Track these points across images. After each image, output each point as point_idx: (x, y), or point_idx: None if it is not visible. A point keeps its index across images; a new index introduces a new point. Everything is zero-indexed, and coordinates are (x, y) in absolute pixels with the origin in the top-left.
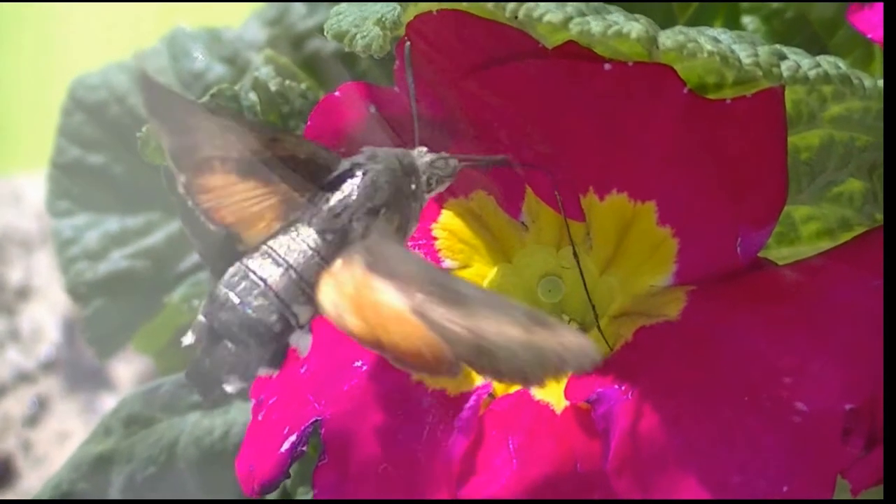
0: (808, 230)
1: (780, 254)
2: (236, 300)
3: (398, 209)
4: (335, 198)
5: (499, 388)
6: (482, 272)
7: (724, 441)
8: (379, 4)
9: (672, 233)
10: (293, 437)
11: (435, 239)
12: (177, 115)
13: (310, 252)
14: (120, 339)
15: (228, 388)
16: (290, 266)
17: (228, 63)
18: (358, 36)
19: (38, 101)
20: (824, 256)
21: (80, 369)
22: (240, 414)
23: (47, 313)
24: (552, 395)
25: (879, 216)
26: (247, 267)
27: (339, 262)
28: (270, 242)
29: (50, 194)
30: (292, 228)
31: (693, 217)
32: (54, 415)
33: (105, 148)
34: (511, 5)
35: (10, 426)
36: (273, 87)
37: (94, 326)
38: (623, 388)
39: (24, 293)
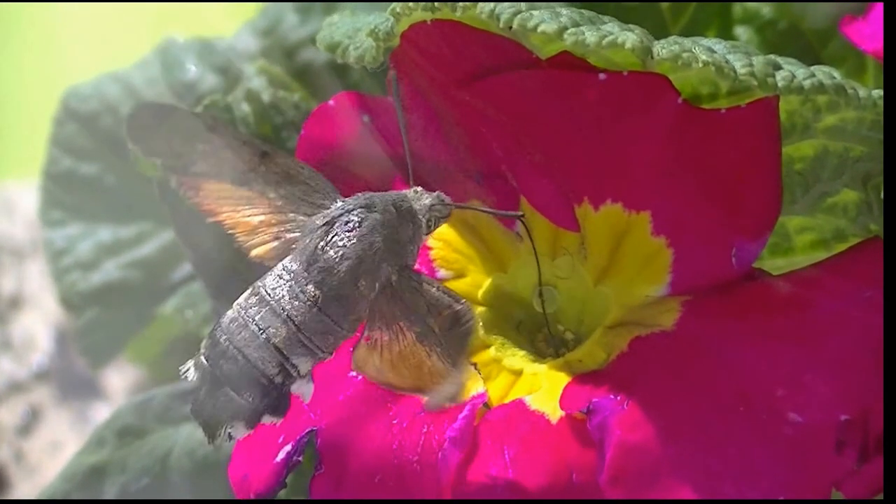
0: (802, 241)
1: (774, 264)
2: (237, 351)
3: (396, 257)
4: (331, 249)
5: (494, 397)
6: (477, 282)
7: (718, 451)
8: (372, 15)
9: (667, 243)
10: (288, 447)
11: (429, 249)
12: (167, 138)
13: (308, 303)
14: (112, 349)
15: (233, 434)
16: (289, 317)
17: (221, 73)
18: (351, 47)
19: (29, 109)
20: (818, 268)
21: (72, 379)
22: None
23: (39, 323)
24: (547, 404)
25: (874, 227)
26: (246, 313)
27: (379, 333)
28: (268, 286)
29: (42, 204)
30: (287, 272)
31: (687, 227)
32: (47, 424)
33: (97, 158)
34: (505, 16)
35: (2, 435)
36: (266, 98)
37: (87, 336)
38: (618, 398)
39: (15, 302)
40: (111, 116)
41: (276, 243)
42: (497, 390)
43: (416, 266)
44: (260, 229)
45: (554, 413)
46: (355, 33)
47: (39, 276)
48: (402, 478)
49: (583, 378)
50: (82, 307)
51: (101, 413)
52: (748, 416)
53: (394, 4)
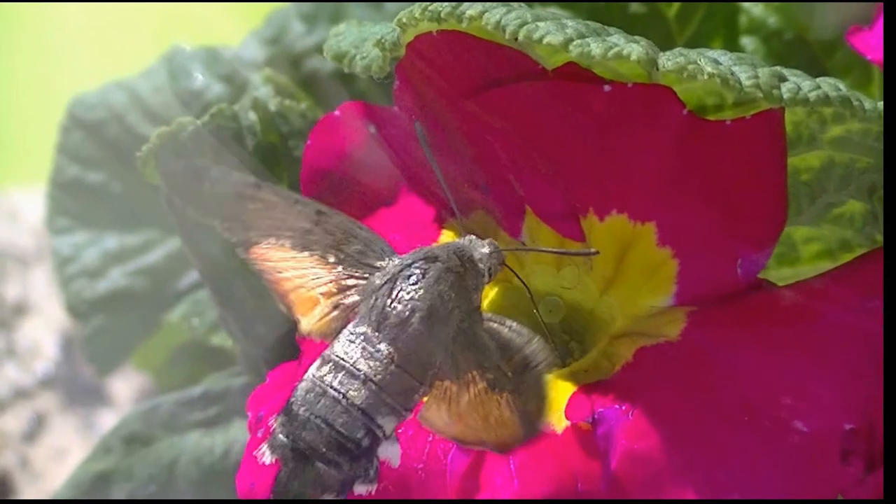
0: (808, 251)
1: (780, 274)
2: (319, 420)
3: (465, 304)
4: (399, 304)
5: None
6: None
7: (723, 460)
8: (378, 25)
9: (672, 254)
10: None
11: None
12: (223, 199)
13: (385, 360)
14: (118, 357)
15: None
16: (368, 378)
17: (227, 82)
18: (357, 57)
19: (33, 117)
20: (823, 278)
21: (77, 385)
22: (240, 433)
23: (45, 329)
24: (553, 414)
25: (880, 237)
26: (321, 381)
27: (451, 386)
28: (338, 352)
29: (49, 212)
30: (356, 336)
31: (693, 238)
32: (52, 431)
33: (104, 166)
34: (511, 27)
35: (7, 442)
36: (272, 107)
37: (94, 344)
38: (623, 408)
39: (21, 309)
40: (117, 125)
41: (335, 312)
42: None
43: None
44: (320, 302)
45: (559, 423)
46: (362, 43)
47: (45, 283)
48: (406, 486)
49: (588, 388)
50: (88, 315)
51: (107, 420)
52: (753, 426)
53: (400, 15)
